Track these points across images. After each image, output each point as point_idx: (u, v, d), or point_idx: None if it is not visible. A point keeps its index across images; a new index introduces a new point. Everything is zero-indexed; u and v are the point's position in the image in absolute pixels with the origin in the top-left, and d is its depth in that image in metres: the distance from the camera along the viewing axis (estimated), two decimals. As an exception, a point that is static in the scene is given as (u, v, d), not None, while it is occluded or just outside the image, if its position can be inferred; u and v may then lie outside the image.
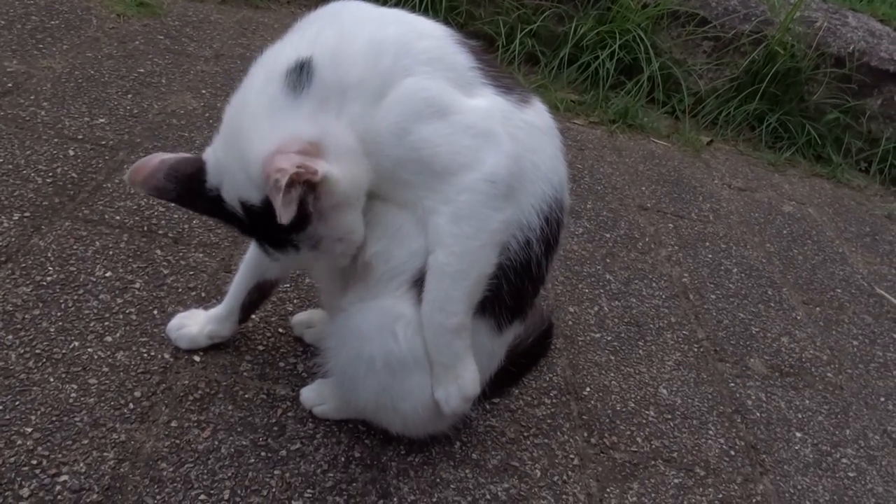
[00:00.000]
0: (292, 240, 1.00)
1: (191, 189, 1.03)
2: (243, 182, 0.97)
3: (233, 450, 1.16)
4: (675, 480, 1.34)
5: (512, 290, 1.06)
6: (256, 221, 0.99)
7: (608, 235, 2.03)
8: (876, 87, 2.95)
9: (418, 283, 1.03)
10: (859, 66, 2.89)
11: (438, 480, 1.21)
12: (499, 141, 0.99)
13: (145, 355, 1.27)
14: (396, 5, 2.61)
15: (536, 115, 1.07)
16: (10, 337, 1.24)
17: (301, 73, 0.95)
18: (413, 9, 2.60)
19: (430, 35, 1.03)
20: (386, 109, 0.96)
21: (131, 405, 1.18)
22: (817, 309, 2.00)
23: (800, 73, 2.87)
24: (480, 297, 1.04)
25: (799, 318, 1.92)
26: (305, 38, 0.99)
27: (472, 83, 1.02)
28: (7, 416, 1.11)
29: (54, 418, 1.13)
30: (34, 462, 1.06)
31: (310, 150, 0.92)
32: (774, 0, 3.04)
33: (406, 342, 1.03)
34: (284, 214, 0.88)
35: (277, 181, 0.87)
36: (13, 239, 1.43)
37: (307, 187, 0.91)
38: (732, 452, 1.44)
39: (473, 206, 0.98)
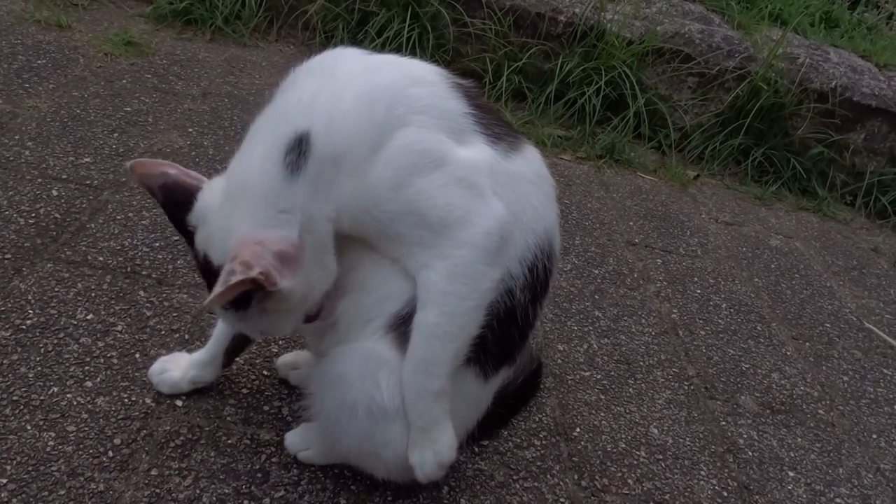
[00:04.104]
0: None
1: (173, 212, 1.07)
2: (216, 243, 1.00)
3: (215, 498, 1.13)
4: (668, 524, 1.32)
5: (497, 339, 1.04)
6: (209, 278, 1.02)
7: (597, 271, 2.03)
8: (859, 121, 2.99)
9: (396, 327, 1.02)
10: (842, 101, 2.93)
11: (426, 527, 1.19)
12: (486, 194, 0.99)
13: (126, 401, 1.25)
14: (385, 43, 2.67)
15: (525, 164, 1.06)
16: (-13, 383, 1.21)
17: (299, 154, 0.94)
18: (400, 46, 2.65)
19: (424, 81, 1.02)
20: (382, 165, 0.96)
21: (111, 453, 1.15)
22: (807, 344, 1.99)
23: (784, 108, 2.90)
24: (464, 357, 1.03)
25: (789, 353, 1.92)
26: (303, 101, 0.98)
27: (465, 130, 1.02)
28: (-19, 467, 1.08)
29: (31, 468, 1.10)
30: (8, 515, 1.03)
31: (289, 254, 0.95)
32: (757, 37, 3.08)
33: (388, 390, 1.01)
34: (212, 303, 0.92)
35: (232, 273, 0.90)
36: (-7, 281, 1.41)
37: (258, 286, 0.93)
38: (725, 493, 1.42)
39: (470, 262, 0.97)
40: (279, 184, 0.95)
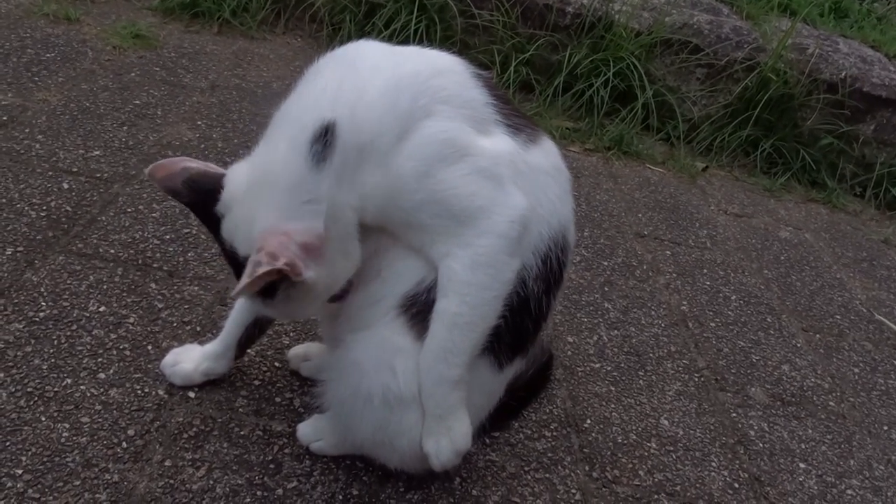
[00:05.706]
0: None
1: (203, 202, 1.04)
2: (241, 233, 0.99)
3: (228, 489, 1.14)
4: (679, 515, 1.32)
5: (511, 328, 1.04)
6: (235, 266, 1.02)
7: (606, 263, 2.02)
8: (869, 112, 2.97)
9: (407, 309, 1.02)
10: (852, 91, 2.91)
11: (438, 518, 1.19)
12: (508, 184, 0.99)
13: (139, 392, 1.25)
14: (392, 35, 2.66)
15: (543, 156, 1.06)
16: (2, 375, 1.22)
17: (324, 144, 0.94)
18: (408, 38, 2.65)
19: (447, 71, 1.03)
20: (406, 155, 0.96)
21: (124, 444, 1.16)
22: (817, 336, 1.98)
23: (793, 99, 2.89)
24: (481, 346, 1.03)
25: (799, 345, 1.91)
26: (328, 92, 0.98)
27: (487, 120, 1.02)
28: (-3, 458, 1.09)
29: (45, 459, 1.10)
30: (24, 505, 1.04)
31: (314, 244, 0.95)
32: (766, 27, 3.06)
33: (404, 378, 1.02)
34: (239, 293, 0.93)
35: (258, 264, 0.91)
36: (5, 274, 1.41)
37: (283, 276, 0.94)
38: (736, 485, 1.42)
39: (492, 251, 0.97)
40: (304, 174, 0.95)
